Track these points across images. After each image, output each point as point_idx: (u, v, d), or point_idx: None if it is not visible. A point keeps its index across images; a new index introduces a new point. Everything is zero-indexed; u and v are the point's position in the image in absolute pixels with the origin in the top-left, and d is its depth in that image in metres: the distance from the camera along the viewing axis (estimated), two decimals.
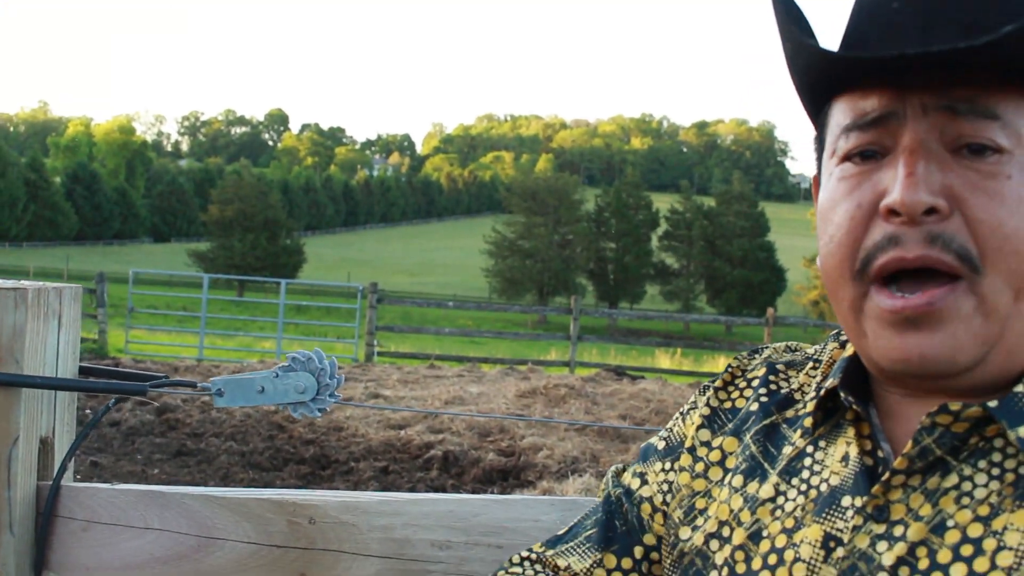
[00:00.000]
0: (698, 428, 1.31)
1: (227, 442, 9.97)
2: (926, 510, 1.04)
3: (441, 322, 54.98)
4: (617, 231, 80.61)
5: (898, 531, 1.04)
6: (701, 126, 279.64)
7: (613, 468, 1.41)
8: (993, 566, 0.97)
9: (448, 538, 1.50)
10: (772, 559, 1.12)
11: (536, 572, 1.31)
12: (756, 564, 1.13)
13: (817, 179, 1.19)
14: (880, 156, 1.07)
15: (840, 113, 1.11)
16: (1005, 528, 0.99)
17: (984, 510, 1.01)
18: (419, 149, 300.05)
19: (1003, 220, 1.01)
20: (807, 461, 1.17)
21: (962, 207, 1.02)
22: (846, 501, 1.10)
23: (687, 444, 1.31)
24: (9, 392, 1.49)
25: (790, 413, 1.24)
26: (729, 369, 1.34)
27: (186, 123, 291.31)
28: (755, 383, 1.31)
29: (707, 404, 1.32)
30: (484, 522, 1.51)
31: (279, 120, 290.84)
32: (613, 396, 13.98)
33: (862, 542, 1.05)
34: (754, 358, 1.35)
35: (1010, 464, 1.02)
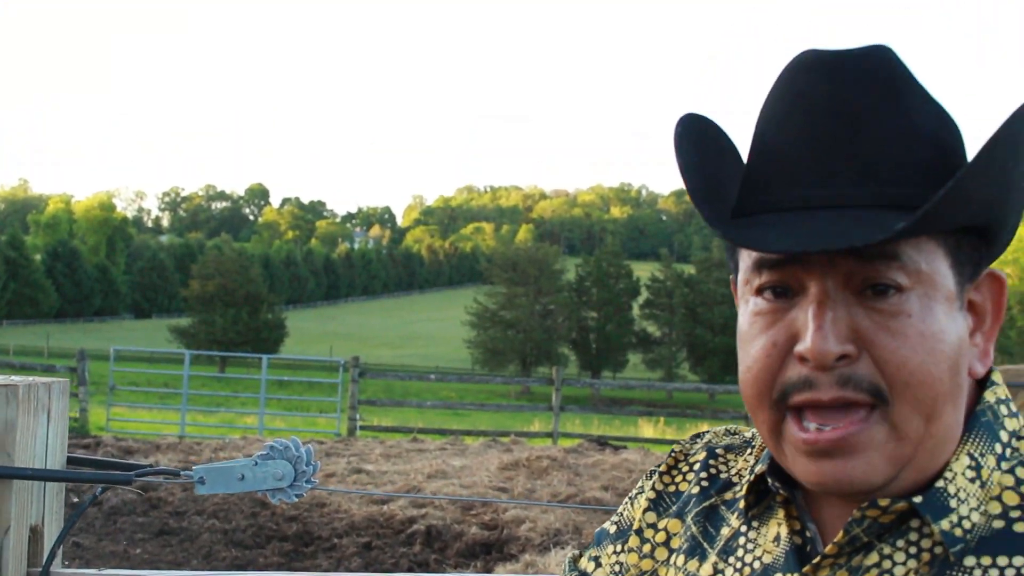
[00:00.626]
0: (645, 511, 1.39)
1: (209, 520, 9.98)
2: None
3: (424, 394, 54.75)
4: (598, 300, 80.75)
5: None
6: (680, 194, 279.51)
7: (570, 555, 1.49)
8: None
9: None
10: None
11: None
12: None
13: (734, 283, 1.26)
14: (791, 294, 1.14)
15: (745, 256, 1.19)
16: None
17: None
18: (400, 221, 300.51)
19: (907, 358, 1.08)
20: (742, 540, 1.26)
21: (869, 348, 1.09)
22: None
23: (635, 526, 1.38)
24: (1, 484, 1.57)
25: (728, 495, 1.33)
26: (672, 454, 1.42)
27: (166, 199, 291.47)
28: (696, 467, 1.39)
29: (652, 488, 1.40)
30: None
31: (259, 195, 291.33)
32: (596, 467, 14.02)
33: None
34: (696, 443, 1.42)
35: (926, 544, 1.11)
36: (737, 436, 1.41)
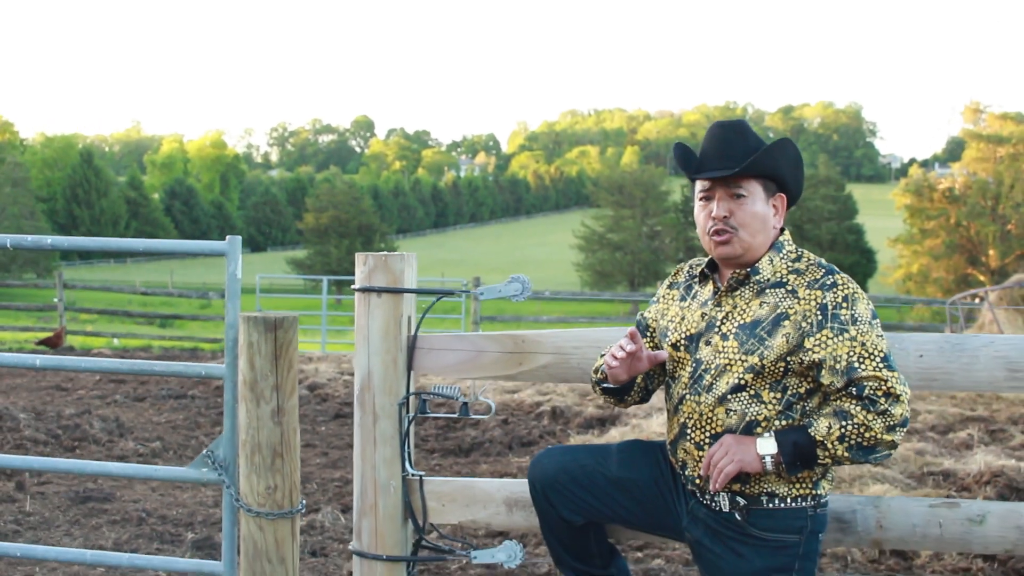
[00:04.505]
0: (666, 288, 3.53)
1: None
2: (731, 302, 3.27)
3: (537, 313, 56.79)
4: None
5: (723, 308, 3.28)
6: (787, 111, 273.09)
7: (640, 311, 3.57)
8: (751, 315, 3.19)
9: (578, 346, 3.66)
10: (685, 324, 3.32)
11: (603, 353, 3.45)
12: (683, 327, 3.31)
13: (693, 195, 3.33)
14: (709, 199, 3.26)
15: (698, 184, 3.30)
16: (752, 305, 3.21)
17: (748, 299, 3.24)
18: (504, 148, 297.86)
19: (746, 219, 3.24)
20: (698, 292, 3.39)
21: (734, 215, 3.24)
22: (709, 302, 3.31)
23: (661, 294, 3.52)
24: (401, 296, 3.66)
25: (696, 279, 3.44)
26: (677, 268, 3.54)
27: (274, 134, 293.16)
28: (686, 270, 3.53)
29: (669, 279, 3.54)
30: (594, 338, 3.65)
31: (365, 126, 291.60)
32: None
33: (712, 312, 3.29)
34: (687, 262, 3.54)
35: (755, 287, 3.24)
36: (704, 259, 3.48)
